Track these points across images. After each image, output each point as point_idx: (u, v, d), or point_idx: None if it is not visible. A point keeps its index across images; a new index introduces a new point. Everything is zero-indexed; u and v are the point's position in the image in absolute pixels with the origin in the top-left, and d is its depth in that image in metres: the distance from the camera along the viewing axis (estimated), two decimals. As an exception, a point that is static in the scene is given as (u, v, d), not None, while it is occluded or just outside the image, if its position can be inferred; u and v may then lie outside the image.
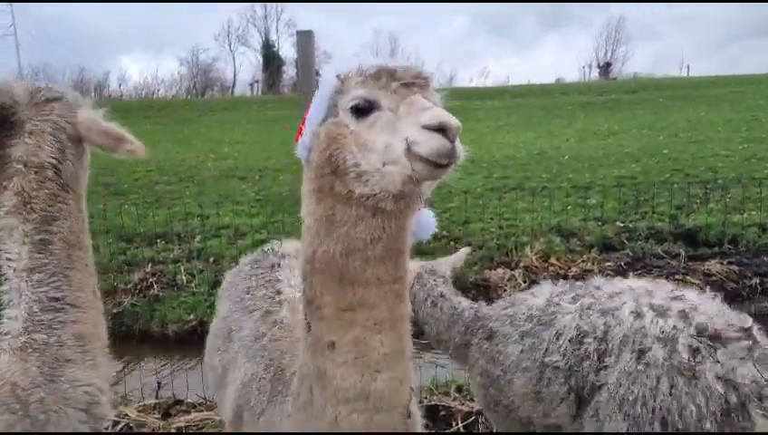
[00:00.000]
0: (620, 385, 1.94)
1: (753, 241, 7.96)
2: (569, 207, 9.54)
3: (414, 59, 1.70)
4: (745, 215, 8.67)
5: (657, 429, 1.83)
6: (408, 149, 1.45)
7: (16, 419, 1.73)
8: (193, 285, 7.34)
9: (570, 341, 2.17)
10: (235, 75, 66.45)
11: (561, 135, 19.50)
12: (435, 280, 3.15)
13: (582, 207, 9.52)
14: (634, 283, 2.28)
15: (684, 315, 1.99)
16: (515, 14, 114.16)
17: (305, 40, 3.51)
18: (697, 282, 7.11)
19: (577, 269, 7.54)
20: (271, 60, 60.11)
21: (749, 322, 2.00)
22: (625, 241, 8.29)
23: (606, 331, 2.08)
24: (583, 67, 65.88)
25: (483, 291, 6.97)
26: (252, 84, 62.61)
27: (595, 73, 62.61)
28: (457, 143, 1.45)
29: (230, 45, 65.48)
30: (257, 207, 10.46)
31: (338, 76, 1.61)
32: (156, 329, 6.56)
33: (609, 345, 2.04)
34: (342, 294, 1.62)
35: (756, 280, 7.17)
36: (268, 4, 63.91)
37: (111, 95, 57.45)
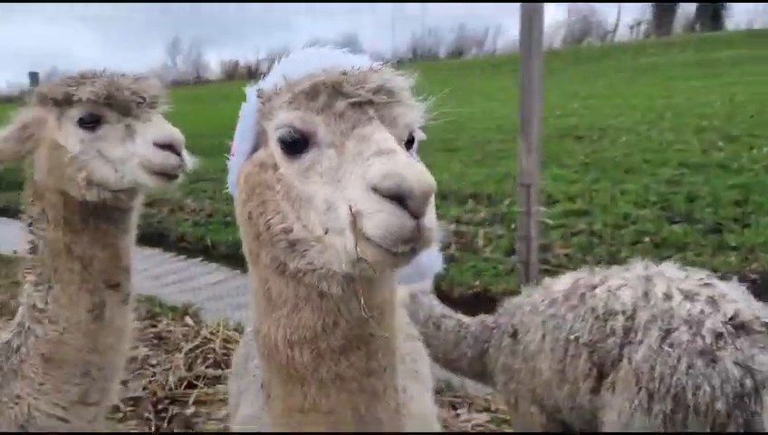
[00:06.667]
0: (644, 361, 1.99)
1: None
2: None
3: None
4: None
5: (669, 405, 1.88)
6: (354, 222, 0.94)
7: None
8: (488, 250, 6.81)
9: (596, 318, 2.19)
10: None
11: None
12: (431, 300, 3.03)
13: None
14: (666, 269, 2.30)
15: (712, 301, 2.03)
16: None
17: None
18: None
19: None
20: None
21: None
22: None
23: (635, 310, 2.12)
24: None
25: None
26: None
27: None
28: (427, 218, 0.93)
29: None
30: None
31: (259, 93, 1.14)
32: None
33: (636, 323, 2.08)
34: (289, 393, 1.18)
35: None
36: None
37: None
